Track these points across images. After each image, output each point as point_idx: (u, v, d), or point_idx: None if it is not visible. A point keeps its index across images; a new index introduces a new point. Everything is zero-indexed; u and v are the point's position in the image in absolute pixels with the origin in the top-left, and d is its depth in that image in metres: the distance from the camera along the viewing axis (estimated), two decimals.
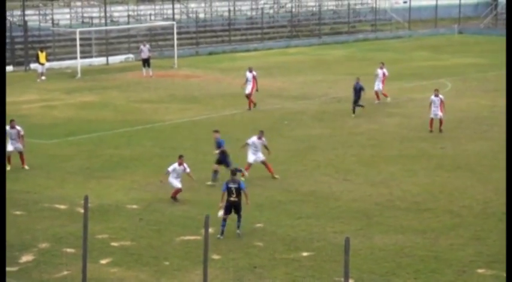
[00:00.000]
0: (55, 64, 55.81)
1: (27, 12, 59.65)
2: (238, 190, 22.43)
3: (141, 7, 69.55)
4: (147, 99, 44.36)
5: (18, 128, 29.72)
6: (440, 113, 35.34)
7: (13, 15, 59.68)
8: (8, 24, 55.97)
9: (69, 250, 21.06)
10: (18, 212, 24.22)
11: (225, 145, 27.84)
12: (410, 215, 24.37)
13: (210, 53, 65.05)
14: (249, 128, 35.91)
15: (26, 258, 20.78)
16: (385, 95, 42.87)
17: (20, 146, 29.70)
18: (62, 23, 63.10)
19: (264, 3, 75.70)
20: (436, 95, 35.65)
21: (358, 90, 38.86)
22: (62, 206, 24.95)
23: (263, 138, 28.52)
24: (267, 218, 23.88)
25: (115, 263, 20.48)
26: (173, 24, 60.75)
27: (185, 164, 25.67)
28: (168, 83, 50.10)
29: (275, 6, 76.88)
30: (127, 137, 34.84)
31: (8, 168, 28.61)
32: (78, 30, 54.56)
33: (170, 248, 21.52)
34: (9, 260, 19.56)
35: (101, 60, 59.03)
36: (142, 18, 68.00)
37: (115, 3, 68.77)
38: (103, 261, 20.52)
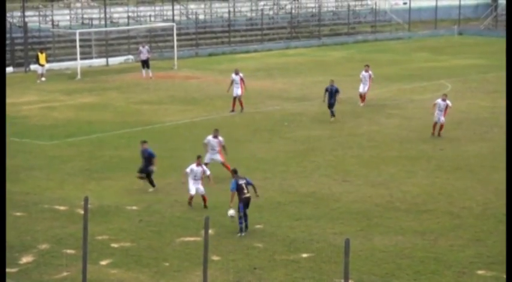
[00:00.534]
0: (55, 65, 55.79)
1: (27, 13, 59.55)
2: (247, 185, 22.76)
3: (141, 8, 69.49)
4: (146, 100, 44.33)
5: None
6: (442, 118, 35.08)
7: (13, 17, 59.60)
8: (8, 26, 56.02)
9: (69, 251, 21.04)
10: (18, 213, 24.20)
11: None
12: (410, 216, 24.34)
13: (210, 54, 65.03)
14: (248, 129, 35.93)
15: (26, 259, 20.76)
16: (363, 99, 41.94)
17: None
18: (61, 24, 63.00)
19: (264, 5, 75.68)
20: (444, 100, 35.07)
21: (333, 93, 38.10)
22: (62, 207, 24.94)
23: (219, 137, 27.93)
24: (266, 219, 23.86)
25: (115, 264, 20.46)
26: (173, 26, 60.68)
27: (204, 166, 25.24)
28: (168, 84, 50.07)
29: (275, 7, 76.84)
30: (127, 138, 34.80)
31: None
32: (78, 31, 54.54)
33: (170, 249, 21.50)
34: (9, 261, 19.53)
35: (101, 61, 59.04)
36: (142, 19, 67.90)
37: (115, 5, 68.73)
38: (103, 263, 20.51)
